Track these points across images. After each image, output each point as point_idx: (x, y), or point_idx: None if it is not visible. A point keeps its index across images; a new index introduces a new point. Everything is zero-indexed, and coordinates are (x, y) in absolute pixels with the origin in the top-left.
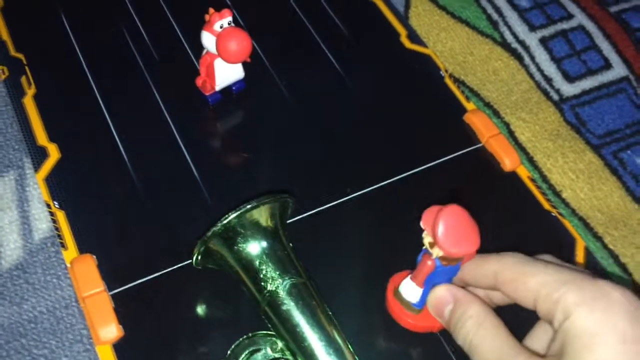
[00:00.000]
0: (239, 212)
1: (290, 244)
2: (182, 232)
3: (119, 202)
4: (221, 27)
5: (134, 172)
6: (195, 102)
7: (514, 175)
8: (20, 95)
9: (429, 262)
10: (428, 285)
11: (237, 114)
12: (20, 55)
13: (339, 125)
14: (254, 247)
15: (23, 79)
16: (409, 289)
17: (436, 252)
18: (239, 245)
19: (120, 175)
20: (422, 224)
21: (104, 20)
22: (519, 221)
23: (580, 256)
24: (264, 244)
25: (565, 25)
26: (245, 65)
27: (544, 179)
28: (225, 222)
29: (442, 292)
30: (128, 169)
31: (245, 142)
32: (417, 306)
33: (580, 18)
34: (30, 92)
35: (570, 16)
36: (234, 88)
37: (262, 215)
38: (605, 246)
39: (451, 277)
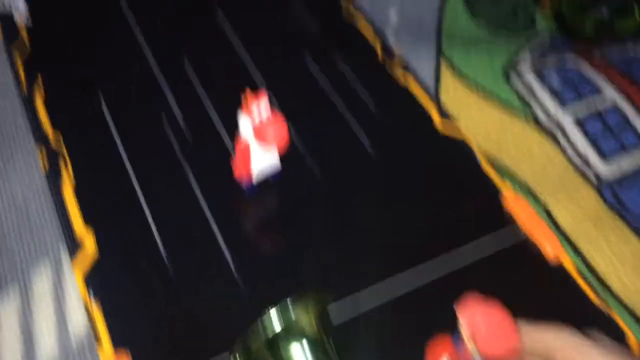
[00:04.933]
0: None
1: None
2: (220, 327)
3: (155, 297)
4: (257, 109)
5: (168, 262)
6: (231, 189)
7: (559, 267)
8: (58, 180)
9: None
10: None
11: (274, 206)
12: (59, 137)
13: (375, 211)
14: (296, 354)
15: (62, 164)
16: None
17: (473, 348)
18: (281, 352)
19: (156, 267)
20: (459, 318)
21: (138, 98)
22: (568, 317)
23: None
24: (306, 350)
25: (598, 105)
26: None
27: (589, 267)
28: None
29: None
30: (163, 259)
31: (286, 236)
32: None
33: (613, 96)
34: (68, 178)
35: (602, 94)
36: (272, 179)
37: (303, 318)
38: None
39: None
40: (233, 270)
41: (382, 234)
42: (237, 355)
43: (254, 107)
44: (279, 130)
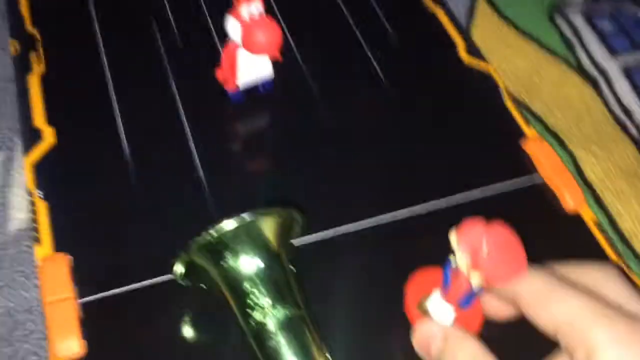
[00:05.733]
0: (228, 224)
1: (292, 268)
2: (176, 241)
3: (111, 200)
4: (248, 14)
5: (133, 169)
6: (215, 97)
7: (576, 217)
8: (27, 72)
9: (465, 285)
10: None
11: (259, 115)
12: (35, 32)
13: (374, 141)
14: (245, 267)
15: (33, 56)
16: (441, 309)
17: (475, 279)
18: (227, 261)
19: (117, 171)
20: (456, 244)
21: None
22: None
23: None
24: (258, 263)
25: None
26: (276, 65)
27: (613, 224)
28: (212, 233)
29: (429, 327)
30: (127, 163)
31: (264, 148)
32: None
33: None
34: (38, 70)
35: None
36: (261, 89)
37: (258, 229)
38: None
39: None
40: (203, 181)
41: (380, 167)
42: (179, 261)
43: (243, 10)
44: (269, 34)
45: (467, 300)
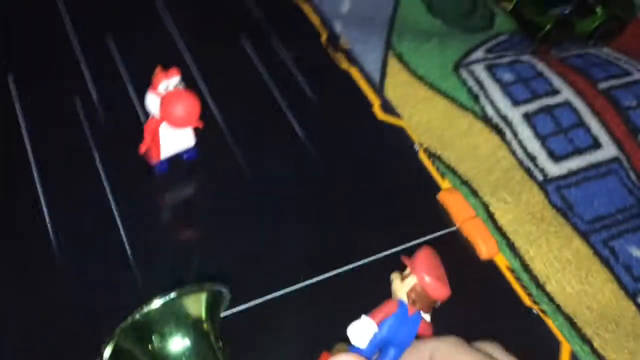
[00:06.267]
0: (154, 305)
1: (220, 343)
2: (101, 321)
3: (29, 275)
4: (166, 89)
5: (55, 241)
6: (140, 170)
7: (491, 264)
8: None
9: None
10: (380, 334)
11: (183, 186)
12: None
13: (297, 202)
14: (173, 347)
15: None
16: (360, 327)
17: (408, 284)
18: (155, 343)
19: (41, 251)
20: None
21: (50, 71)
22: (494, 318)
23: None
24: (186, 343)
25: (550, 101)
26: (199, 131)
27: (526, 268)
28: (137, 316)
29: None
30: (49, 236)
31: (189, 218)
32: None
33: (566, 94)
34: None
35: (556, 91)
36: (184, 157)
37: (185, 308)
38: (594, 350)
39: (406, 340)
40: (129, 254)
41: (305, 232)
42: (106, 347)
43: (162, 86)
44: (187, 107)
45: (397, 327)
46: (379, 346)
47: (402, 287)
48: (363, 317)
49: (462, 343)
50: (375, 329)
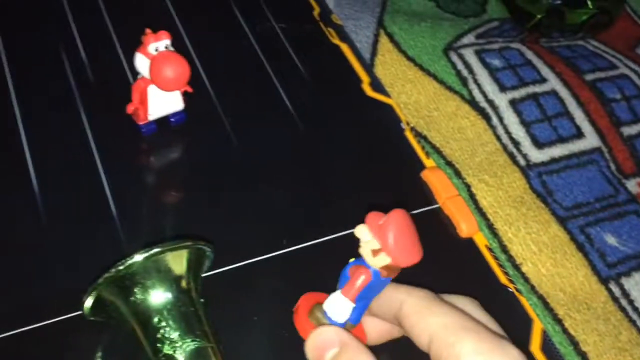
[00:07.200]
0: (137, 258)
1: (202, 300)
2: (86, 275)
3: (19, 235)
4: (156, 51)
5: (42, 202)
6: (127, 130)
7: (470, 242)
8: None
9: (365, 274)
10: (359, 302)
11: (170, 148)
12: None
13: (283, 171)
14: (154, 300)
15: None
16: (338, 305)
17: (380, 261)
18: (137, 296)
19: (26, 205)
20: (361, 232)
21: (38, 26)
22: (470, 294)
23: (536, 340)
24: (167, 297)
25: (537, 89)
26: (188, 96)
27: (504, 249)
28: (120, 267)
29: (328, 334)
30: (36, 197)
31: (175, 181)
32: (343, 326)
33: (553, 83)
34: None
35: (543, 80)
36: (172, 120)
37: (168, 263)
38: (565, 330)
39: (376, 295)
40: (113, 212)
41: (288, 199)
42: (88, 297)
43: (151, 47)
44: (177, 69)
45: (368, 291)
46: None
47: (375, 262)
48: (339, 296)
49: (432, 297)
50: (352, 306)
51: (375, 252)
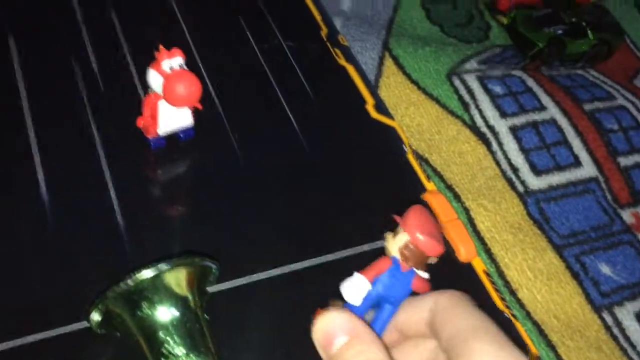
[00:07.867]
0: (146, 274)
1: (206, 317)
2: (93, 288)
3: (26, 246)
4: (170, 68)
5: (51, 213)
6: (136, 143)
7: (468, 266)
8: None
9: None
10: (374, 291)
11: (178, 163)
12: None
13: (287, 189)
14: (161, 316)
15: None
16: (353, 284)
17: (399, 240)
18: (143, 311)
19: (34, 215)
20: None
21: (51, 37)
22: None
23: None
24: (174, 313)
25: (537, 117)
26: (197, 112)
27: (500, 274)
28: (130, 282)
29: (338, 319)
30: (44, 208)
31: (181, 195)
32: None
33: (553, 111)
34: None
35: (543, 108)
36: (181, 135)
37: (175, 279)
38: (558, 357)
39: (401, 297)
40: (120, 225)
41: (294, 217)
42: (95, 309)
43: (164, 64)
44: (189, 87)
45: (390, 288)
46: (374, 303)
47: (394, 243)
48: (355, 274)
49: (463, 295)
50: (368, 286)
51: (396, 233)
